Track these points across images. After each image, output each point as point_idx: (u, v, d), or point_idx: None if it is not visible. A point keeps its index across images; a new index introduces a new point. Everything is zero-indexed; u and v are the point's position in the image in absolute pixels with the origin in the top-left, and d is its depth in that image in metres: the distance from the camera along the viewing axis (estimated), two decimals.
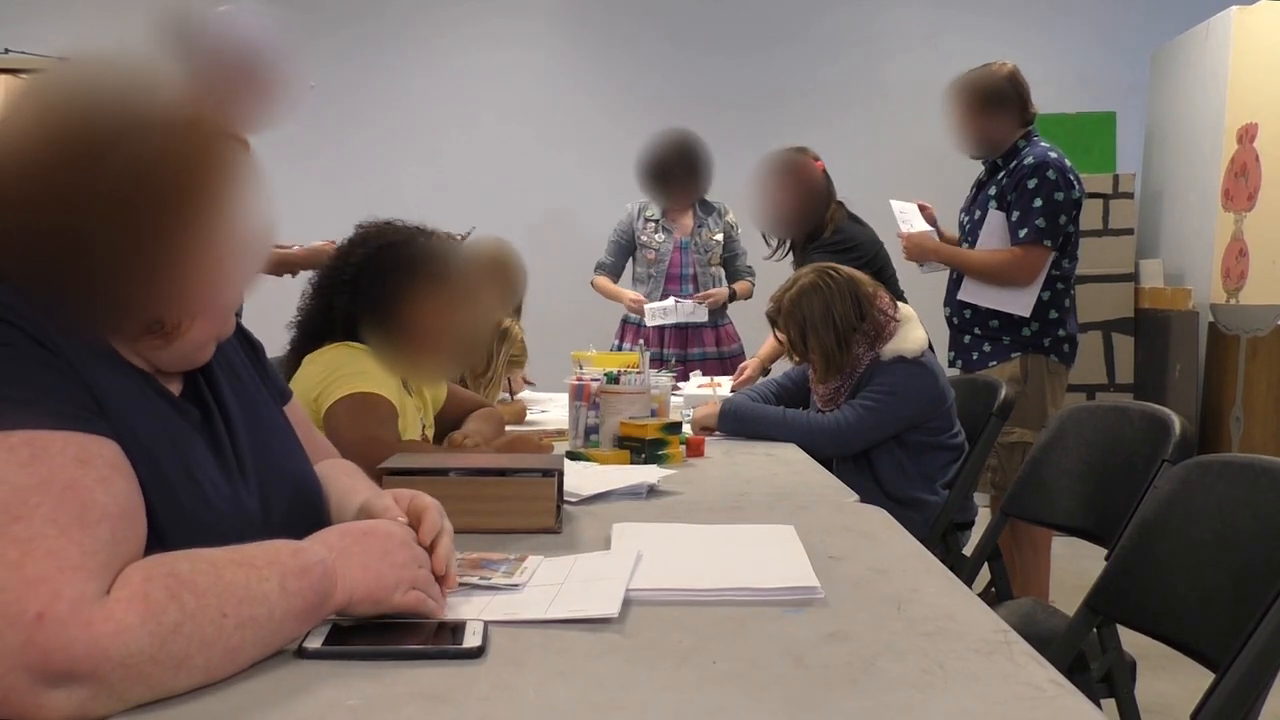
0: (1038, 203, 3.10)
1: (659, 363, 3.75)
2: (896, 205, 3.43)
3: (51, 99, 0.95)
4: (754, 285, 4.07)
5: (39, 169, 0.90)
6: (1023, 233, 3.11)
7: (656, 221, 4.01)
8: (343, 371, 1.80)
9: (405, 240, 1.93)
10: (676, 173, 3.90)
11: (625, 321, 4.16)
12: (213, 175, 0.98)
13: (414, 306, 1.87)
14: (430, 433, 2.10)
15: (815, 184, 3.37)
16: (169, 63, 1.08)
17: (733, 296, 4.04)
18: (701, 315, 3.95)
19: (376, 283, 1.87)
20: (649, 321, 3.94)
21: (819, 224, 3.36)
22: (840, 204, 3.42)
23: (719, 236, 4.02)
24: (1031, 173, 3.11)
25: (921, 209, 3.44)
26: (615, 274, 4.13)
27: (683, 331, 3.98)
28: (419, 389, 2.06)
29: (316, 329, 1.92)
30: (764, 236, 3.55)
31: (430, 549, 1.05)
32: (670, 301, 3.91)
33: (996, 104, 3.21)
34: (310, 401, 1.78)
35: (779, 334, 2.65)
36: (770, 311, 2.66)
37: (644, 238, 4.01)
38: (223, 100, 0.96)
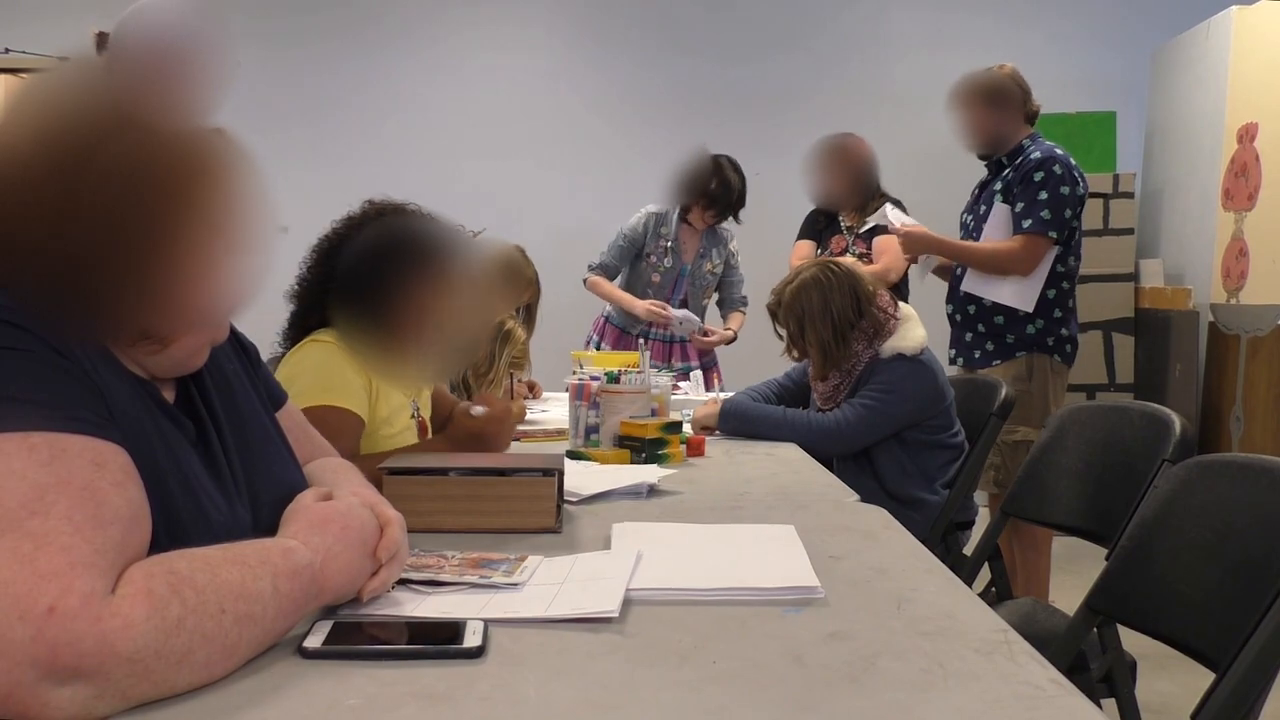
0: (1043, 195, 3.12)
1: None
2: (890, 211, 3.44)
3: (38, 107, 0.95)
4: (745, 317, 4.03)
5: (28, 176, 0.90)
6: (1026, 223, 3.13)
7: (669, 245, 3.94)
8: (308, 380, 1.72)
9: (410, 220, 1.84)
10: (718, 197, 3.86)
11: (608, 321, 4.06)
12: (203, 181, 0.97)
13: (407, 291, 1.76)
14: (426, 413, 2.05)
15: (864, 160, 3.79)
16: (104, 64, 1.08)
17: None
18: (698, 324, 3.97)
19: (371, 260, 1.78)
20: (676, 331, 3.91)
21: (867, 203, 3.76)
22: (885, 194, 3.78)
23: (718, 269, 4.00)
24: (1038, 166, 3.14)
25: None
26: (612, 276, 4.04)
27: (667, 345, 3.97)
28: None
29: (309, 299, 1.84)
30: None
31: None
32: (686, 311, 3.89)
33: (1002, 100, 3.26)
34: None
35: (779, 327, 2.66)
36: (771, 304, 2.68)
37: (653, 257, 3.95)
38: (151, 94, 0.95)
